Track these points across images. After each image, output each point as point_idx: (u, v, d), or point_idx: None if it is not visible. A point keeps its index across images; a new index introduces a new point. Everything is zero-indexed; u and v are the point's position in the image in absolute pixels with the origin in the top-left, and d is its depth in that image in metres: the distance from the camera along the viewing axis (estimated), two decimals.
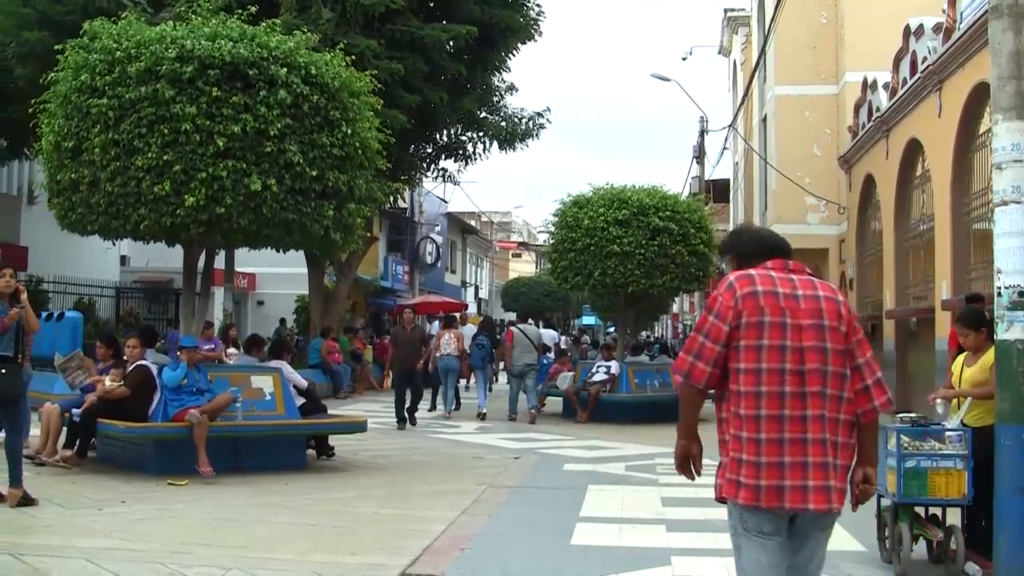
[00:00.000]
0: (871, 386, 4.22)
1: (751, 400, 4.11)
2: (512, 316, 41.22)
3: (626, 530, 8.95)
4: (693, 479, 4.47)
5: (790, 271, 4.30)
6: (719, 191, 43.28)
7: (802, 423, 4.08)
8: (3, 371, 8.98)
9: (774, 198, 29.01)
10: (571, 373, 21.40)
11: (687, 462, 4.36)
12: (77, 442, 11.51)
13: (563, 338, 38.25)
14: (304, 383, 13.52)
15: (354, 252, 24.02)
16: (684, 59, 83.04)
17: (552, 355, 25.04)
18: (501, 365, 21.80)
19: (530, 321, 24.44)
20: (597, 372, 20.43)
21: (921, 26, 19.33)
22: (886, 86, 22.17)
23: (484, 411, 20.35)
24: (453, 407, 20.70)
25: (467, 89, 24.38)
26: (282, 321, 31.95)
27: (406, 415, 17.86)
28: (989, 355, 7.25)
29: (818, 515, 4.10)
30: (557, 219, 22.09)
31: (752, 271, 4.28)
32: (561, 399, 21.27)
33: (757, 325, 4.13)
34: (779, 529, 4.11)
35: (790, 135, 28.46)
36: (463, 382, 24.23)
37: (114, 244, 19.24)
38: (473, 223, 60.50)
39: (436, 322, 31.19)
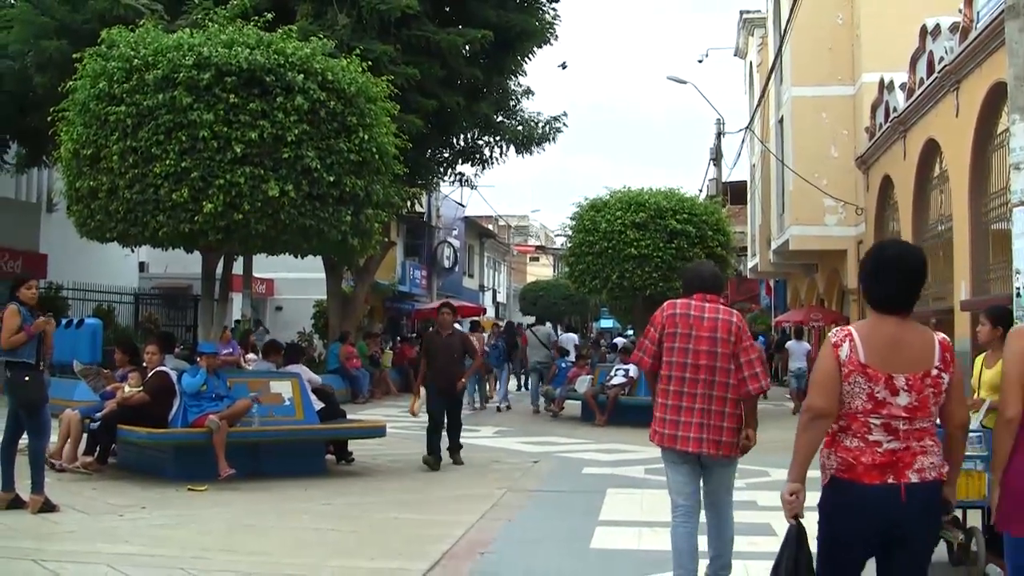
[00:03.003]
0: (748, 377, 6.32)
1: (665, 380, 6.43)
2: (528, 319, 44.25)
3: (646, 534, 8.93)
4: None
5: (706, 301, 6.50)
6: (736, 193, 43.21)
7: (692, 398, 6.34)
8: (27, 378, 9.08)
9: (791, 199, 28.94)
10: (589, 376, 21.40)
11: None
12: (97, 448, 11.57)
13: (586, 341, 38.48)
14: (318, 379, 13.59)
15: (372, 257, 24.08)
16: (700, 61, 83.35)
17: (571, 358, 25.14)
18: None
19: (547, 323, 27.46)
20: (616, 375, 20.41)
21: (938, 26, 19.27)
22: (903, 86, 22.10)
23: (505, 404, 23.22)
24: (478, 405, 23.01)
25: (483, 93, 24.39)
26: (257, 323, 30.79)
27: (444, 450, 13.50)
28: None
29: (703, 456, 6.34)
30: (574, 223, 22.14)
31: (679, 300, 6.57)
32: (580, 402, 21.27)
33: (673, 334, 6.40)
34: (682, 461, 6.40)
35: (807, 136, 28.39)
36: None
37: (133, 251, 19.37)
38: (490, 227, 60.53)
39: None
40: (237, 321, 25.01)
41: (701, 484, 6.46)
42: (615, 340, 39.13)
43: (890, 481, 4.19)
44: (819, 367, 4.39)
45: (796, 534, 4.36)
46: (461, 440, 13.71)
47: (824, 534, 4.35)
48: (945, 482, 4.33)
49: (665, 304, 6.57)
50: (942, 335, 4.45)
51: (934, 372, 4.29)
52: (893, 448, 4.23)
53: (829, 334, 4.46)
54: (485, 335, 25.91)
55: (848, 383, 4.27)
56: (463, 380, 13.81)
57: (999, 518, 4.61)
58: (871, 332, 4.35)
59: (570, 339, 31.13)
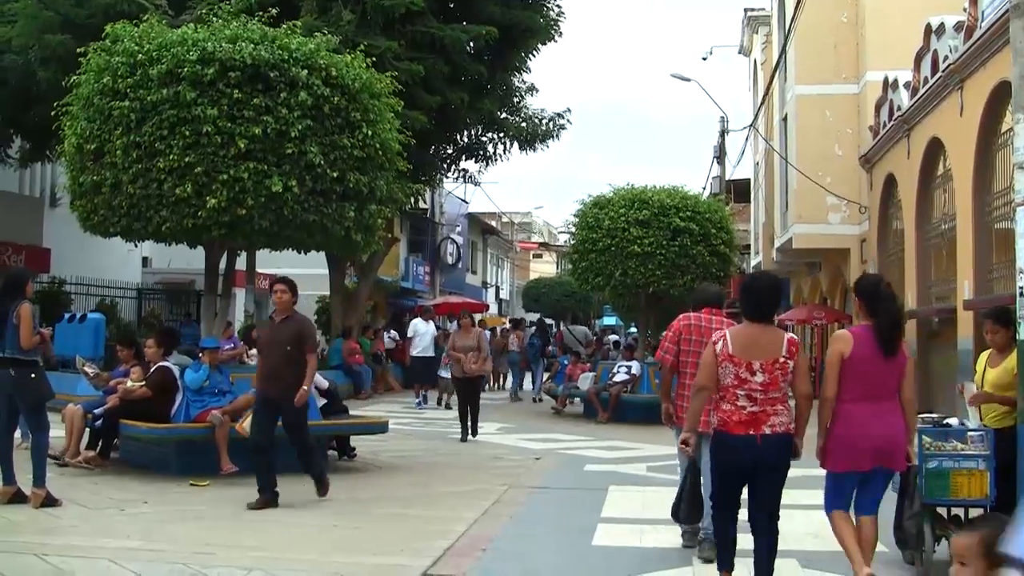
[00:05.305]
0: None
1: (684, 377, 8.04)
2: (533, 316, 45.49)
3: (647, 531, 8.94)
4: (672, 426, 8.28)
5: (712, 315, 8.28)
6: (740, 191, 43.12)
7: None
8: (33, 376, 9.11)
9: (795, 198, 28.91)
10: (592, 373, 21.40)
11: (669, 417, 8.31)
12: (100, 443, 11.58)
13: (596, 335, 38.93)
14: (325, 383, 13.56)
15: (375, 253, 24.05)
16: (704, 59, 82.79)
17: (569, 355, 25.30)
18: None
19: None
20: (618, 372, 20.41)
21: (942, 24, 19.23)
22: (907, 85, 22.07)
23: (539, 396, 25.05)
24: (515, 397, 25.58)
25: (487, 90, 24.37)
26: (187, 316, 28.50)
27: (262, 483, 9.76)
28: (1013, 358, 7.18)
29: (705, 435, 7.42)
30: (578, 220, 22.11)
31: (692, 313, 8.36)
32: (582, 399, 21.29)
33: (687, 340, 8.11)
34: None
35: (811, 135, 28.34)
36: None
37: (136, 246, 19.35)
38: (494, 224, 60.40)
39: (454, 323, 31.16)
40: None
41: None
42: (616, 337, 39.36)
43: (750, 433, 6.24)
44: (703, 357, 6.61)
45: (689, 465, 7.25)
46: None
47: (712, 466, 6.56)
48: (794, 434, 6.37)
49: (681, 316, 8.38)
50: (791, 335, 6.60)
51: (782, 359, 6.33)
52: (754, 411, 6.26)
53: (713, 336, 6.67)
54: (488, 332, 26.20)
55: (722, 367, 6.34)
56: (303, 390, 9.93)
57: (823, 461, 6.70)
58: (739, 333, 6.49)
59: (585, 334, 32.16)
